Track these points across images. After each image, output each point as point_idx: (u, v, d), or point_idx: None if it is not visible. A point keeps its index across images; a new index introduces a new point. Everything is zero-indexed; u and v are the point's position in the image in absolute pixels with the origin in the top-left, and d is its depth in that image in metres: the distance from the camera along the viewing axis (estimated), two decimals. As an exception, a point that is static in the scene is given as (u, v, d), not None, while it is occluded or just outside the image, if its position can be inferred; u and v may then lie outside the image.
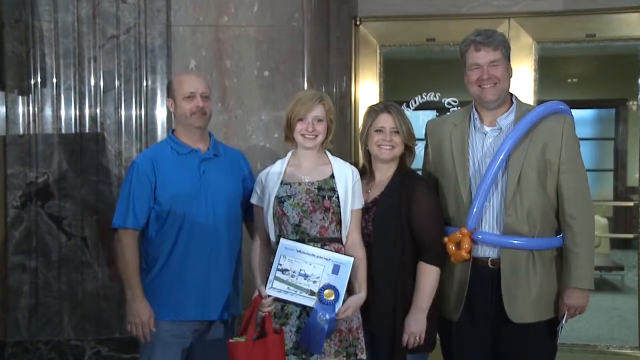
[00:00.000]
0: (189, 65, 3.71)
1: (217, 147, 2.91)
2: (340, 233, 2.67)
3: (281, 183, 2.70)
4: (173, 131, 2.90)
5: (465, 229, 2.65)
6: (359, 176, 2.72)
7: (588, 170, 2.77)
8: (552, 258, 2.71)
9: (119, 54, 3.70)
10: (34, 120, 3.69)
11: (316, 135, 2.69)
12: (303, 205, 2.64)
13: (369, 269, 2.66)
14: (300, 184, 2.68)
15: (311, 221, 2.64)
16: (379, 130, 2.75)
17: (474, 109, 2.77)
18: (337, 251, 2.64)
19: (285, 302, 2.64)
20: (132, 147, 3.72)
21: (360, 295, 2.62)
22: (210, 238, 2.79)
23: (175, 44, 3.72)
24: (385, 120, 2.75)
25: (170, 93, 2.88)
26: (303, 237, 2.64)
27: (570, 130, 2.68)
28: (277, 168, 2.76)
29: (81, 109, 3.71)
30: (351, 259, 2.61)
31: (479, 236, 2.67)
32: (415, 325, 2.65)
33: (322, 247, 2.63)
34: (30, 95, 3.68)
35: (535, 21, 4.35)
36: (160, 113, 3.75)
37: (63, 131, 3.71)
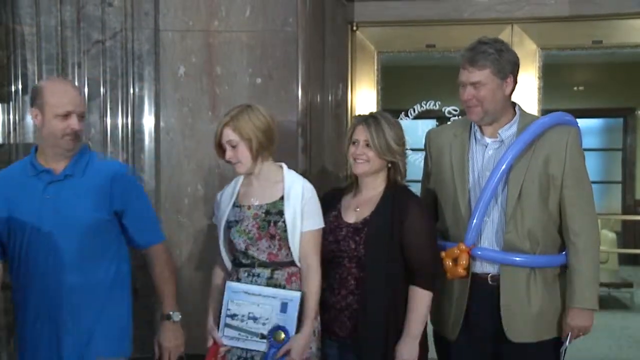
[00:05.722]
0: (178, 71, 3.61)
1: (78, 165, 2.51)
2: (294, 257, 2.57)
3: (233, 205, 2.62)
4: (37, 147, 2.58)
5: (463, 244, 2.58)
6: (311, 193, 2.59)
7: (595, 182, 2.75)
8: (555, 276, 2.65)
9: (104, 59, 3.59)
10: (15, 129, 3.57)
11: (238, 161, 2.56)
12: (249, 232, 2.56)
13: (362, 291, 2.55)
14: (249, 207, 2.59)
15: (257, 249, 2.56)
16: (353, 143, 2.65)
17: (475, 119, 2.72)
18: (290, 276, 2.56)
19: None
20: (118, 157, 3.60)
21: (302, 335, 2.51)
22: (51, 281, 2.44)
23: (164, 49, 3.62)
24: (360, 133, 2.63)
25: (36, 101, 2.47)
26: (253, 262, 2.57)
27: (575, 142, 2.61)
28: (231, 188, 2.67)
29: (64, 117, 3.58)
30: (298, 294, 2.51)
31: (478, 252, 2.61)
32: (408, 353, 2.55)
33: (272, 273, 2.55)
34: (11, 103, 3.56)
35: (540, 27, 4.31)
36: (148, 122, 3.65)
37: (45, 140, 3.57)
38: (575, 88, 8.58)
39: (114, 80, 3.60)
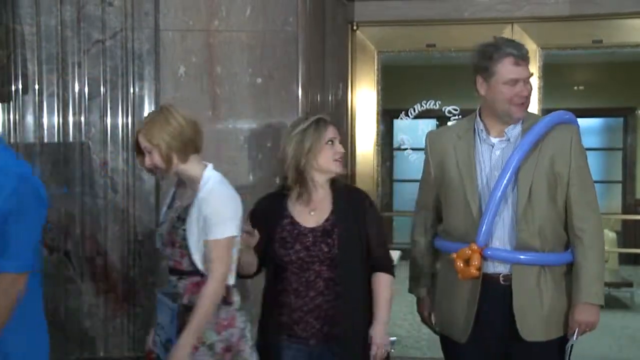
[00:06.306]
0: (178, 71, 3.60)
1: None
2: (197, 266, 2.43)
3: (168, 206, 2.57)
4: None
5: (475, 244, 2.56)
6: (219, 199, 2.41)
7: (595, 181, 2.72)
8: (562, 274, 2.65)
9: (104, 59, 3.59)
10: (15, 129, 3.57)
11: (154, 167, 2.44)
12: (163, 237, 2.50)
13: (335, 291, 2.56)
14: (171, 209, 2.54)
15: (166, 255, 2.51)
16: (330, 143, 2.61)
17: (478, 119, 2.69)
18: (192, 286, 2.44)
19: None
20: (118, 156, 3.61)
21: (177, 348, 2.34)
22: None
23: (164, 49, 3.60)
24: (335, 133, 2.64)
25: None
26: (171, 269, 2.51)
27: (578, 141, 2.63)
28: (172, 188, 2.61)
29: (65, 117, 3.59)
30: (174, 307, 2.41)
31: (489, 252, 2.59)
32: (381, 338, 2.59)
33: (177, 281, 2.47)
34: (11, 102, 3.56)
35: (540, 27, 4.33)
36: (148, 121, 3.63)
37: (45, 140, 3.59)
38: (575, 88, 8.58)
39: (114, 79, 3.60)
